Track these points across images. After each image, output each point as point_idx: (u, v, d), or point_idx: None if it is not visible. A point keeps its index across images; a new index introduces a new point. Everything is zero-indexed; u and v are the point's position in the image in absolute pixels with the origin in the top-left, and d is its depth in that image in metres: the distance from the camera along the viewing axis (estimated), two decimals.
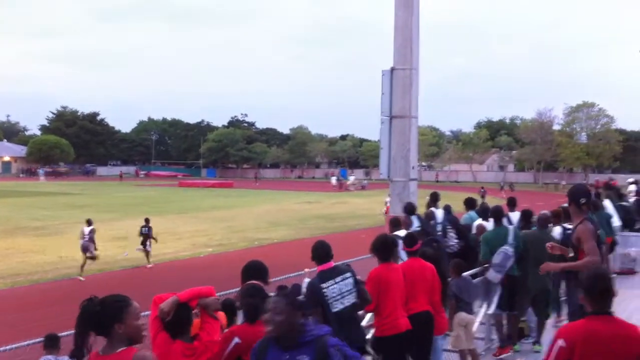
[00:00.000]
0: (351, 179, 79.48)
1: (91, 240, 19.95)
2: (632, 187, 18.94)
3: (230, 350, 4.24)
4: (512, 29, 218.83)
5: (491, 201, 24.06)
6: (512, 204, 11.97)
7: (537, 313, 9.05)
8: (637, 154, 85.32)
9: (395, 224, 10.30)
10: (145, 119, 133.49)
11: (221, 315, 4.80)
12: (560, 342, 3.74)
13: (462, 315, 7.99)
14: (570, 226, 11.12)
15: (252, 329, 4.32)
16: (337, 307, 5.45)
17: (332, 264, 5.68)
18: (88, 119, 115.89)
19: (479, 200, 16.68)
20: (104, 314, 3.29)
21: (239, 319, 5.17)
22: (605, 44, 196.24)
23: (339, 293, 5.49)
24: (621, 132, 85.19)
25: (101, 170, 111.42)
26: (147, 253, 21.81)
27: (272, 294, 4.52)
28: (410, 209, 11.16)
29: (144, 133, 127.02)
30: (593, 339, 3.68)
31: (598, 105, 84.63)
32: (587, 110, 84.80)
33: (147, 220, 22.48)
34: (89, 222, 20.48)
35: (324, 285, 5.47)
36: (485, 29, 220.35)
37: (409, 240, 7.04)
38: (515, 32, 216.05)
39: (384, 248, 6.19)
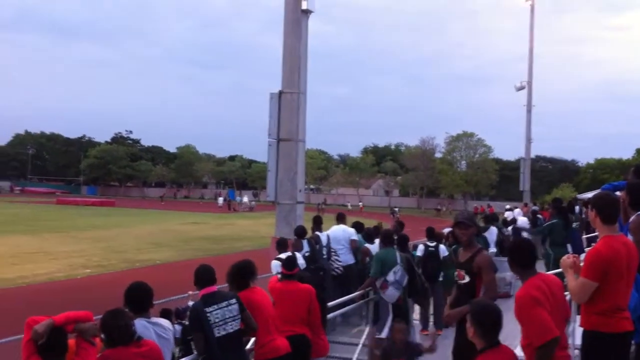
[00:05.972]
0: (245, 199, 79.02)
1: None
2: (508, 214, 20.06)
3: None
4: (386, 63, 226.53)
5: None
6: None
7: None
8: (512, 183, 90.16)
9: (282, 244, 10.29)
10: (22, 132, 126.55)
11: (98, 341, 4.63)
12: None
13: None
14: (432, 244, 11.50)
15: (125, 351, 4.22)
16: (220, 332, 5.34)
17: (215, 288, 5.56)
18: None
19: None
20: None
21: None
22: (486, 80, 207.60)
23: (222, 319, 5.36)
24: (497, 161, 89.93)
25: None
26: None
27: (137, 320, 4.45)
28: (300, 233, 11.24)
29: (20, 147, 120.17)
30: None
31: (477, 135, 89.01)
32: (466, 140, 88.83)
33: None
34: None
35: (207, 309, 5.34)
36: (363, 61, 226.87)
37: (289, 263, 6.92)
38: (390, 66, 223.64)
39: (242, 274, 6.02)
